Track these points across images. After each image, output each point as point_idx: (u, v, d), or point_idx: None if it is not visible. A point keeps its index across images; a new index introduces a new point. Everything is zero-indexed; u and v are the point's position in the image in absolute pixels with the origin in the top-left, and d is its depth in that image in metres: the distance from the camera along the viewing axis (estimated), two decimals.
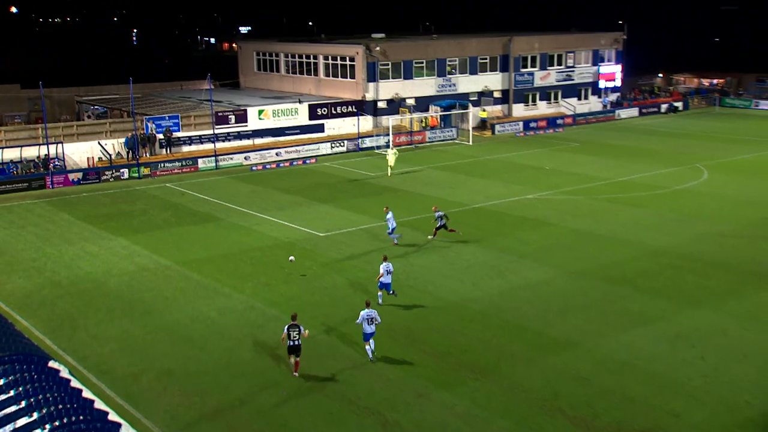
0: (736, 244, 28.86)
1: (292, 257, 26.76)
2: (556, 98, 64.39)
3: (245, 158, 46.93)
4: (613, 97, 68.17)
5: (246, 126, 49.56)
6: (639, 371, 18.77)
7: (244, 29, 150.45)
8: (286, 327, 18.62)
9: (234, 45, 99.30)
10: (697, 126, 61.23)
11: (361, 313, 19.44)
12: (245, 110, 50.00)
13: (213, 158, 45.92)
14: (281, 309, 22.88)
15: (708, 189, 38.17)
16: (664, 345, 20.20)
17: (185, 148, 47.26)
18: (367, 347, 19.38)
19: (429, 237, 29.65)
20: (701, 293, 23.90)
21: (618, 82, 67.56)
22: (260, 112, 50.44)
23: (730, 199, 35.86)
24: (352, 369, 19.02)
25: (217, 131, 47.67)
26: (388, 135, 50.84)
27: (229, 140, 48.60)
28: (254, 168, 45.85)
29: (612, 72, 66.70)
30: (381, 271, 22.70)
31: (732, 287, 24.34)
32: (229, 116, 49.06)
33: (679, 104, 70.40)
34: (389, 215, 28.68)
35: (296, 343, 18.46)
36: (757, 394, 17.64)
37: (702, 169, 43.07)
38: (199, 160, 45.51)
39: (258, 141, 49.67)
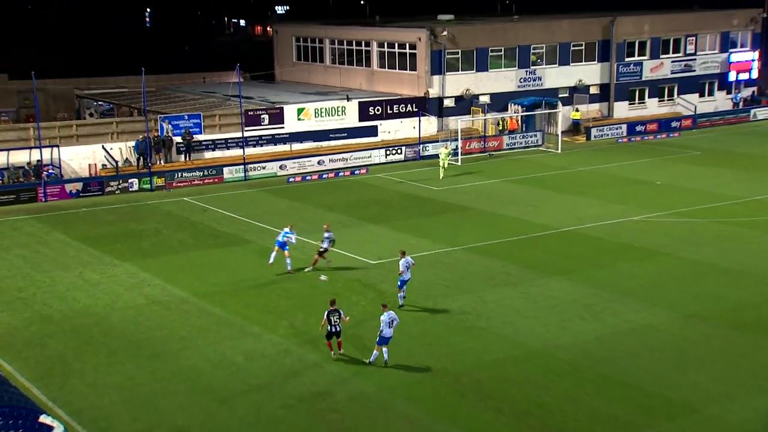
0: None
1: (324, 276, 27.45)
2: (671, 95, 63.48)
3: (281, 167, 47.66)
4: (747, 92, 66.79)
5: (282, 128, 50.30)
6: None
7: (281, 9, 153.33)
8: (326, 312, 22.18)
9: (269, 29, 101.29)
10: None
11: (382, 318, 21.98)
12: (281, 109, 50.78)
13: (241, 167, 46.79)
14: (322, 354, 23.09)
15: None
16: None
17: (207, 155, 48.29)
18: (375, 351, 22.14)
19: (306, 269, 30.05)
20: None
21: (755, 74, 66.22)
22: (300, 111, 51.17)
23: None
24: (408, 430, 19.01)
25: (246, 134, 48.52)
26: (456, 140, 50.98)
27: (262, 145, 49.43)
28: (291, 179, 46.49)
29: (747, 60, 65.40)
30: (401, 268, 25.99)
31: None
32: (262, 116, 49.91)
33: None
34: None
35: (337, 328, 22.28)
36: None
37: None
38: (225, 169, 46.45)
39: (296, 146, 50.36)
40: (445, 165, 45.74)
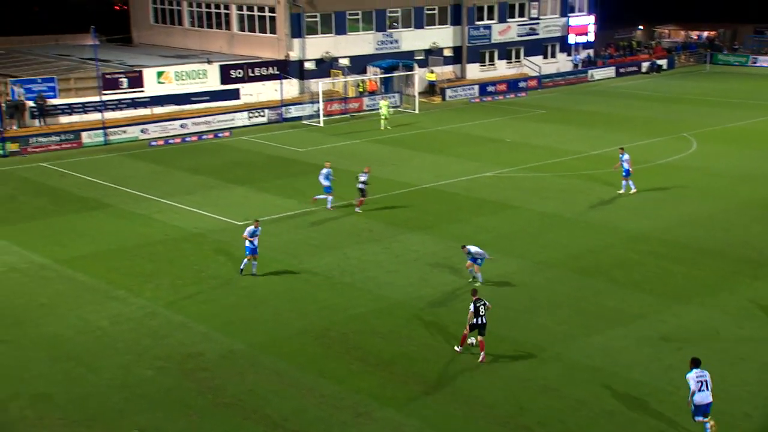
0: (729, 227, 29.93)
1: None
2: (518, 57, 65.26)
3: (142, 131, 46.16)
4: (585, 54, 69.50)
5: (142, 92, 48.71)
6: (617, 379, 19.30)
7: None
8: (472, 303, 20.00)
9: None
10: (685, 88, 63.11)
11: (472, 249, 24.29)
12: (140, 72, 49.09)
13: (101, 131, 44.93)
14: (189, 315, 22.64)
15: (697, 163, 39.41)
16: (646, 348, 20.83)
17: (64, 119, 46.10)
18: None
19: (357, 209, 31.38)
20: (688, 286, 24.72)
21: (591, 37, 68.92)
22: (159, 74, 49.59)
23: (722, 175, 37.14)
24: (277, 385, 18.99)
25: (105, 98, 46.65)
26: (316, 102, 50.65)
27: (121, 109, 47.69)
28: (154, 143, 45.10)
29: (584, 24, 67.99)
30: (245, 234, 25.04)
31: (724, 278, 25.26)
32: (121, 79, 48.07)
33: (663, 62, 72.44)
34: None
35: (483, 320, 19.98)
36: (757, 404, 18.29)
37: (690, 139, 44.44)
38: (83, 134, 44.48)
39: (158, 110, 48.87)
40: (388, 115, 47.38)
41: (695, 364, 16.50)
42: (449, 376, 19.46)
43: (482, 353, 20.11)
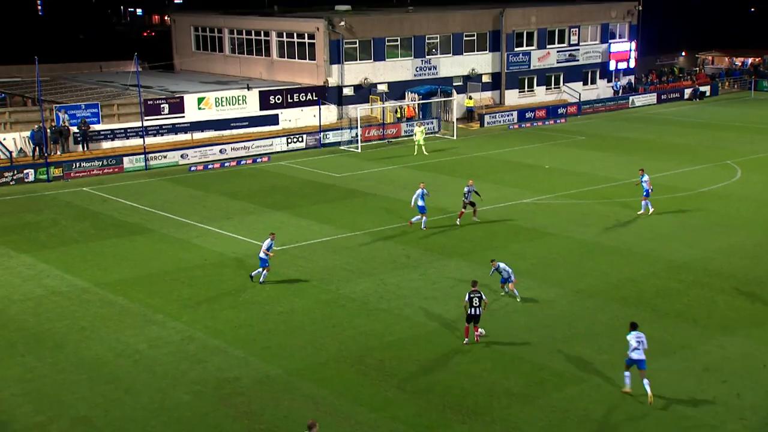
0: None
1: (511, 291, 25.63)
2: (557, 83, 65.21)
3: (182, 156, 46.77)
4: (626, 81, 69.24)
5: (183, 117, 49.39)
6: (661, 411, 19.01)
7: None
8: (468, 293, 21.88)
9: (166, 18, 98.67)
10: (728, 115, 62.42)
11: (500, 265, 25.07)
12: (181, 98, 49.81)
13: (142, 156, 45.63)
14: (227, 340, 22.80)
15: (741, 191, 38.89)
16: (690, 379, 20.52)
17: (106, 144, 46.91)
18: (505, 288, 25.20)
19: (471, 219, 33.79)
20: (733, 317, 24.33)
21: (632, 63, 68.66)
22: (200, 100, 50.27)
23: (767, 203, 36.59)
24: (313, 411, 19.00)
25: (146, 123, 47.41)
26: (354, 128, 51.01)
27: (162, 135, 48.40)
28: (193, 168, 45.67)
29: (625, 51, 67.76)
30: (263, 248, 26.52)
31: None
32: (162, 105, 48.81)
33: (705, 89, 71.78)
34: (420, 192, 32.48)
35: (478, 311, 21.87)
36: None
37: (734, 167, 43.89)
38: (125, 159, 45.21)
39: (198, 136, 49.52)
40: (422, 141, 47.92)
41: (633, 327, 19.94)
42: (487, 405, 19.32)
43: (477, 332, 22.29)
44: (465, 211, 33.61)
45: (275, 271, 27.88)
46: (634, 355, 19.62)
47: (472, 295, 21.79)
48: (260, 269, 26.96)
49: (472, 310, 21.81)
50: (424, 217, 32.73)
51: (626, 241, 31.31)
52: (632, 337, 19.71)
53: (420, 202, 32.52)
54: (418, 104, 56.48)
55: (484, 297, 21.97)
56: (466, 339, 22.25)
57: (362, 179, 42.47)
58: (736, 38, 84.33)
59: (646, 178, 34.42)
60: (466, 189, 33.41)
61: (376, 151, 49.78)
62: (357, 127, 50.88)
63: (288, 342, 22.80)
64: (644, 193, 34.40)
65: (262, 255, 26.65)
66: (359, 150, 49.87)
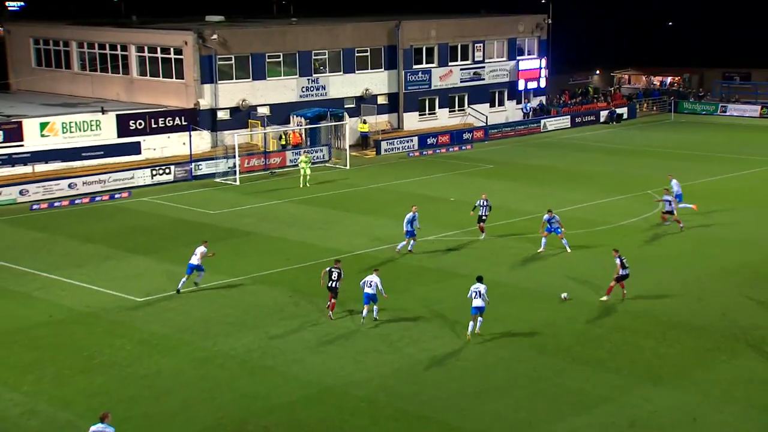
0: (703, 296, 30.68)
1: (565, 294, 29.88)
2: (461, 105, 66.62)
3: (21, 193, 45.57)
4: (536, 102, 71.32)
5: (21, 146, 48.17)
6: None
7: (13, 5, 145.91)
8: (327, 268, 27.79)
9: None
10: (648, 139, 65.14)
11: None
12: (19, 123, 48.68)
13: None
14: (78, 412, 22.06)
15: (663, 224, 40.41)
16: None
17: None
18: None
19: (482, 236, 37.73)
20: (659, 364, 25.13)
21: (543, 83, 70.85)
22: (43, 126, 49.18)
23: (693, 238, 38.17)
24: None
25: None
26: (232, 157, 50.73)
27: None
28: (36, 207, 44.46)
29: (534, 68, 69.92)
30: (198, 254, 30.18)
31: (699, 356, 25.77)
32: None
33: (623, 111, 74.78)
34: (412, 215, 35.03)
35: (335, 285, 27.55)
36: None
37: (655, 197, 45.65)
38: None
39: (41, 168, 48.31)
40: (307, 172, 48.16)
41: (479, 280, 26.67)
42: None
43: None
44: (483, 225, 37.41)
45: (139, 326, 27.24)
46: (476, 303, 26.11)
47: (332, 270, 27.43)
48: (185, 278, 30.50)
49: (331, 283, 27.38)
50: (412, 241, 35.28)
51: (541, 282, 32.06)
52: (472, 288, 26.20)
53: (407, 227, 35.00)
54: (305, 129, 56.67)
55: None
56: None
57: (242, 216, 42.14)
58: (653, 56, 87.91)
59: (557, 218, 35.52)
60: (478, 203, 37.18)
61: (257, 184, 49.56)
62: (234, 157, 50.60)
63: (154, 411, 22.25)
64: (555, 232, 35.27)
65: (195, 262, 30.23)
66: (237, 183, 49.56)
